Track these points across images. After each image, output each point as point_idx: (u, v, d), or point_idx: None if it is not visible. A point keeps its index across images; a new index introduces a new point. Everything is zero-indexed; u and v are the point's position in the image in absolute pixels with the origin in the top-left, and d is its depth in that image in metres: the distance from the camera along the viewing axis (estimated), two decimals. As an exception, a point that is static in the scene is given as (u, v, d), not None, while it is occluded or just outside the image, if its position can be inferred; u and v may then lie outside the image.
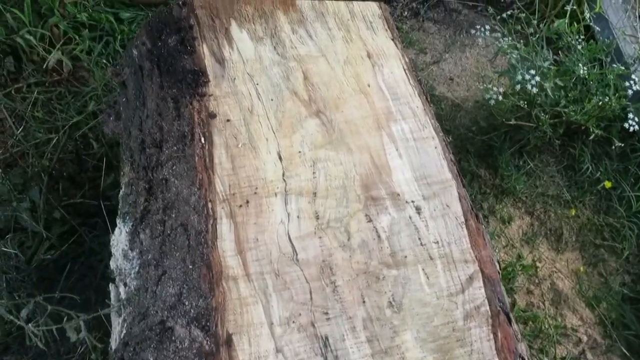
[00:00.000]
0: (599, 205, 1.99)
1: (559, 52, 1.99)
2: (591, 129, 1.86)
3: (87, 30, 2.03)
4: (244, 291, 0.96)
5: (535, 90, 1.75)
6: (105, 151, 1.76)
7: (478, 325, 1.01)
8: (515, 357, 1.00)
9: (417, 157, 1.16)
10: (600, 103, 1.80)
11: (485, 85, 1.88)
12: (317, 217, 1.05)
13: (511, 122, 1.89)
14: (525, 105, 1.85)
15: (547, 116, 1.84)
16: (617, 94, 1.83)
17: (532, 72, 1.77)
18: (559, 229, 1.93)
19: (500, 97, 1.83)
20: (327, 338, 0.95)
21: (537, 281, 1.82)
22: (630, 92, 1.82)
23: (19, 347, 1.47)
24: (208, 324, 0.92)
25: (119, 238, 1.15)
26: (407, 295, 1.01)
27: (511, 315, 1.05)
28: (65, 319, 1.12)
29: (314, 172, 1.10)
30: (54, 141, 1.79)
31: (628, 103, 1.85)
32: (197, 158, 1.07)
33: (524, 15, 1.86)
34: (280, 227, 1.03)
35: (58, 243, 1.56)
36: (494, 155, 2.02)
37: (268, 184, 1.07)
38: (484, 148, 2.05)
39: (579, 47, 1.88)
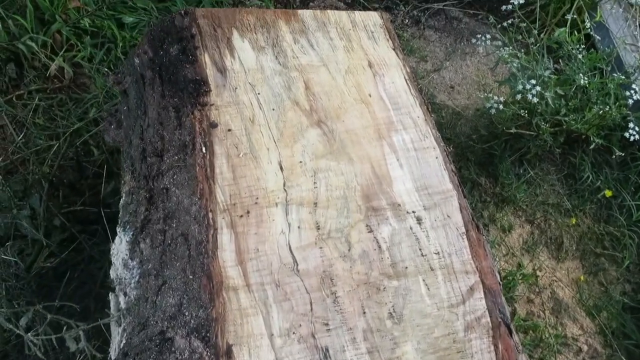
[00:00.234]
0: (600, 214, 1.99)
1: (560, 61, 2.00)
2: (592, 138, 1.87)
3: (88, 36, 2.04)
4: (244, 302, 0.96)
5: (535, 99, 1.75)
6: (105, 158, 1.77)
7: (479, 337, 1.01)
8: (516, 369, 1.00)
9: (418, 167, 1.16)
10: (601, 112, 1.80)
11: (485, 93, 1.88)
12: (318, 228, 1.05)
13: (512, 131, 1.89)
14: (526, 114, 1.85)
15: (547, 125, 1.85)
16: (617, 103, 1.84)
17: (533, 81, 1.77)
18: (560, 238, 1.93)
19: (501, 106, 1.84)
20: (327, 349, 0.95)
21: (537, 290, 1.82)
22: (630, 101, 1.82)
23: (17, 356, 1.46)
24: (208, 334, 0.92)
25: (119, 247, 1.15)
26: (408, 306, 1.01)
27: (512, 327, 1.05)
28: (64, 328, 1.12)
29: (314, 182, 1.10)
30: (55, 148, 1.79)
31: (628, 112, 1.86)
32: (198, 168, 1.07)
33: (524, 24, 1.87)
34: (281, 238, 1.03)
35: (58, 250, 1.56)
36: (494, 164, 2.02)
37: (269, 194, 1.07)
38: (485, 156, 2.05)
39: (580, 56, 1.89)
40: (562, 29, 2.01)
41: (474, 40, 1.97)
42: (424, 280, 1.04)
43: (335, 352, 0.95)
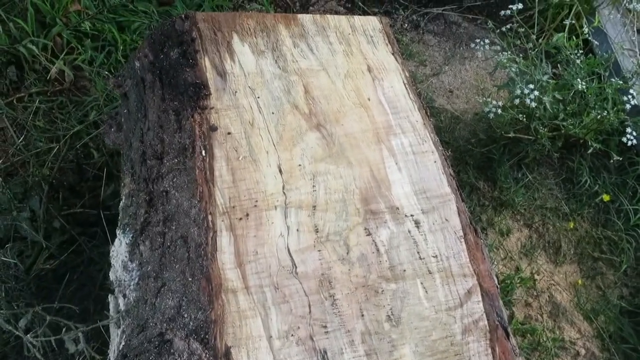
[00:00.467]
0: (597, 218, 1.99)
1: (558, 65, 2.01)
2: (589, 143, 1.88)
3: (89, 40, 2.05)
4: (243, 304, 0.96)
5: (534, 103, 1.76)
6: (105, 161, 1.77)
7: (476, 340, 1.01)
8: (513, 372, 1.00)
9: (416, 171, 1.17)
10: (599, 117, 1.81)
11: (484, 98, 1.90)
12: (317, 231, 1.06)
13: (510, 135, 1.90)
14: (524, 119, 1.86)
15: (545, 129, 1.86)
16: (615, 108, 1.85)
17: (531, 85, 1.78)
18: (557, 242, 1.94)
19: (500, 110, 1.85)
20: (325, 352, 0.95)
21: (535, 294, 1.82)
22: (628, 106, 1.83)
23: (17, 357, 1.46)
24: (207, 336, 0.92)
25: (119, 249, 1.15)
26: (406, 309, 1.01)
27: (509, 330, 1.05)
28: (64, 329, 1.12)
29: (313, 186, 1.11)
30: (55, 150, 1.79)
31: (626, 117, 1.87)
32: (197, 170, 1.08)
33: (523, 29, 1.88)
34: (279, 240, 1.04)
35: (57, 252, 1.56)
36: (492, 168, 2.03)
37: (268, 197, 1.08)
38: (483, 160, 2.06)
39: (578, 61, 1.90)
40: (560, 34, 2.02)
41: (472, 45, 1.98)
42: (422, 283, 1.04)
43: (334, 355, 0.95)
